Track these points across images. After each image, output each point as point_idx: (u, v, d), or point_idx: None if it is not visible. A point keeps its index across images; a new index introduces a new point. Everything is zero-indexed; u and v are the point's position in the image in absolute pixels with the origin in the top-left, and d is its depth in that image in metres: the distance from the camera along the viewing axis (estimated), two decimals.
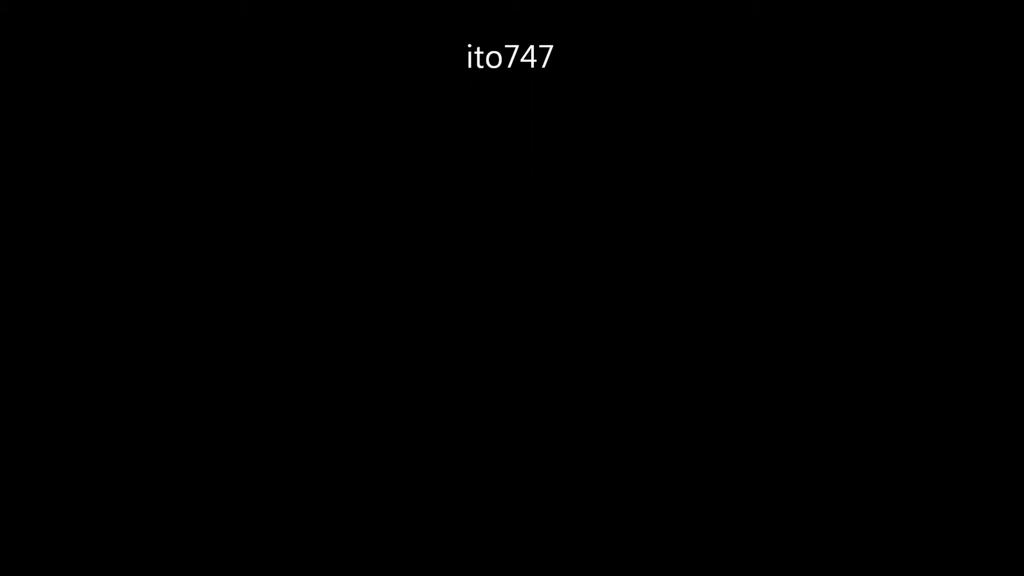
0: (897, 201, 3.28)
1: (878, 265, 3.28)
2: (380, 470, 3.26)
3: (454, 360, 3.31)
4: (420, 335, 3.30)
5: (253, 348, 3.28)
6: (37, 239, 3.30)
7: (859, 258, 3.28)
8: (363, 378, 3.29)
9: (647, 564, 3.22)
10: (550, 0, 3.31)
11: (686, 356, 3.28)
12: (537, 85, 3.31)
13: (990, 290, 3.26)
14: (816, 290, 3.28)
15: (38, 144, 3.30)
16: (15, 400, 3.26)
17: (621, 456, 3.26)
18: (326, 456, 3.26)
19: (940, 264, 3.27)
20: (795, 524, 3.23)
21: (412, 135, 3.32)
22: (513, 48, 3.30)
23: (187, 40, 3.28)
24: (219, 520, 3.24)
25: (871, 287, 3.28)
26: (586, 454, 3.26)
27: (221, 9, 3.28)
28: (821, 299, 3.28)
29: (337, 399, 3.28)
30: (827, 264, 3.28)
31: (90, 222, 3.30)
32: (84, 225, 3.30)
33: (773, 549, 3.22)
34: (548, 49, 3.30)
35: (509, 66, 3.30)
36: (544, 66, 3.31)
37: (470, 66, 3.31)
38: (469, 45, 3.31)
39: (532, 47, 3.30)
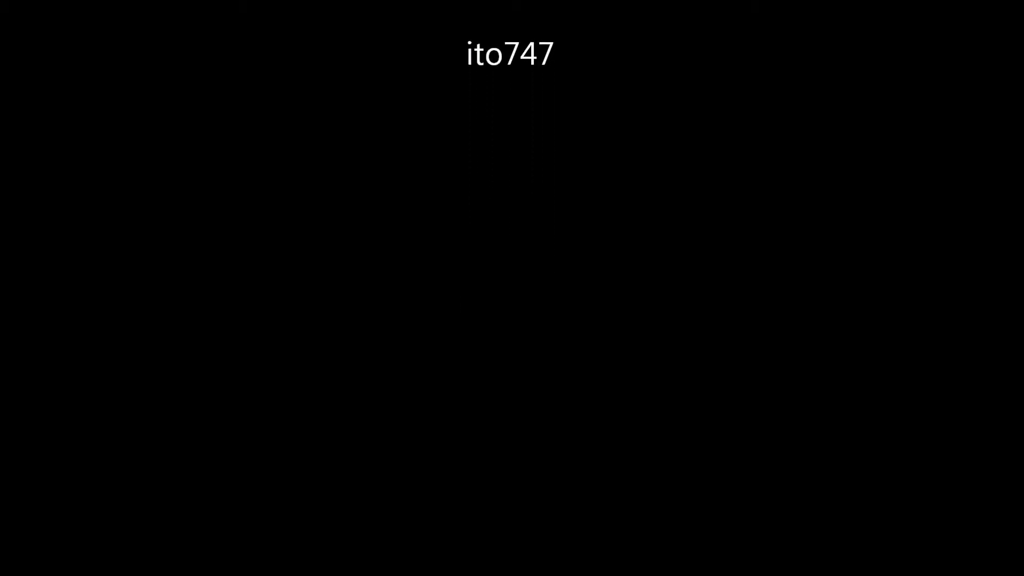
0: (897, 201, 3.28)
1: (878, 265, 3.28)
2: (380, 470, 3.27)
3: (453, 356, 3.31)
4: (419, 329, 3.31)
5: (252, 347, 3.29)
6: (37, 239, 3.30)
7: (859, 258, 3.28)
8: (362, 375, 3.29)
9: (647, 564, 3.22)
10: None
11: (686, 355, 3.28)
12: (537, 82, 3.32)
13: (990, 290, 3.26)
14: (816, 289, 3.28)
15: (38, 144, 3.31)
16: (15, 400, 3.27)
17: (621, 456, 3.26)
18: (326, 456, 3.27)
19: (940, 264, 3.27)
20: (795, 524, 3.23)
21: (412, 132, 3.32)
22: (513, 45, 3.31)
23: (187, 40, 3.29)
24: (219, 520, 3.24)
25: (871, 287, 3.28)
26: (586, 454, 3.26)
27: (221, 9, 3.28)
28: (821, 299, 3.28)
29: (337, 398, 3.28)
30: (827, 263, 3.28)
31: (90, 222, 3.30)
32: (84, 225, 3.30)
33: (773, 549, 3.22)
34: (548, 46, 3.31)
35: (509, 63, 3.31)
36: (544, 63, 3.31)
37: (470, 63, 3.31)
38: (469, 42, 3.32)
39: (532, 44, 3.31)
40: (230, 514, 3.24)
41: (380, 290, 3.31)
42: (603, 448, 3.26)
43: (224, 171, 3.31)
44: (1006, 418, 3.23)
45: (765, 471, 3.24)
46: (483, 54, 3.31)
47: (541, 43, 3.31)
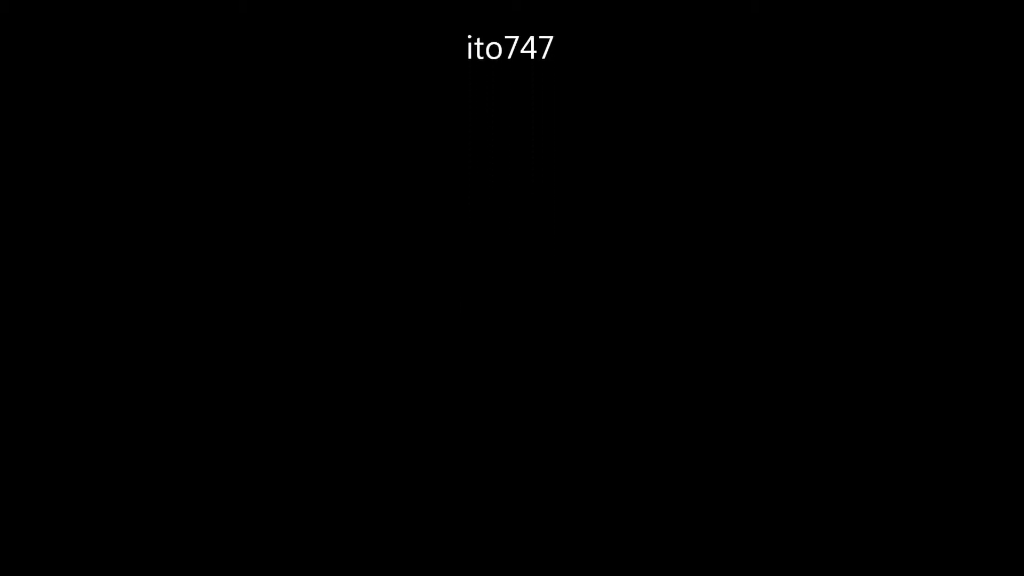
0: (897, 201, 3.28)
1: (878, 265, 3.28)
2: (380, 470, 3.27)
3: (453, 353, 3.31)
4: (419, 324, 3.31)
5: (252, 347, 3.29)
6: (37, 239, 3.31)
7: (859, 258, 3.28)
8: (362, 375, 3.29)
9: (647, 564, 3.22)
10: None
11: (686, 355, 3.28)
12: (537, 76, 3.32)
13: (990, 290, 3.26)
14: (816, 289, 3.28)
15: (38, 144, 3.31)
16: (15, 400, 3.27)
17: (621, 456, 3.26)
18: (326, 456, 3.27)
19: (940, 264, 3.27)
20: (795, 524, 3.22)
21: (412, 126, 3.33)
22: (513, 39, 3.31)
23: (187, 39, 3.29)
24: (219, 520, 3.24)
25: (871, 287, 3.28)
26: (586, 454, 3.26)
27: (221, 8, 3.29)
28: (821, 298, 3.28)
29: (337, 398, 3.28)
30: (827, 262, 3.28)
31: (90, 222, 3.31)
32: (84, 225, 3.31)
33: (773, 549, 3.21)
34: (548, 40, 3.31)
35: (509, 57, 3.31)
36: (544, 57, 3.31)
37: (470, 57, 3.32)
38: (469, 36, 3.32)
39: (532, 38, 3.31)
40: (230, 514, 3.24)
41: (379, 284, 3.31)
42: (603, 448, 3.26)
43: (224, 168, 3.32)
44: (1006, 418, 3.23)
45: (765, 471, 3.24)
46: (483, 48, 3.31)
47: (541, 37, 3.31)
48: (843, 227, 3.29)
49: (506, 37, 3.31)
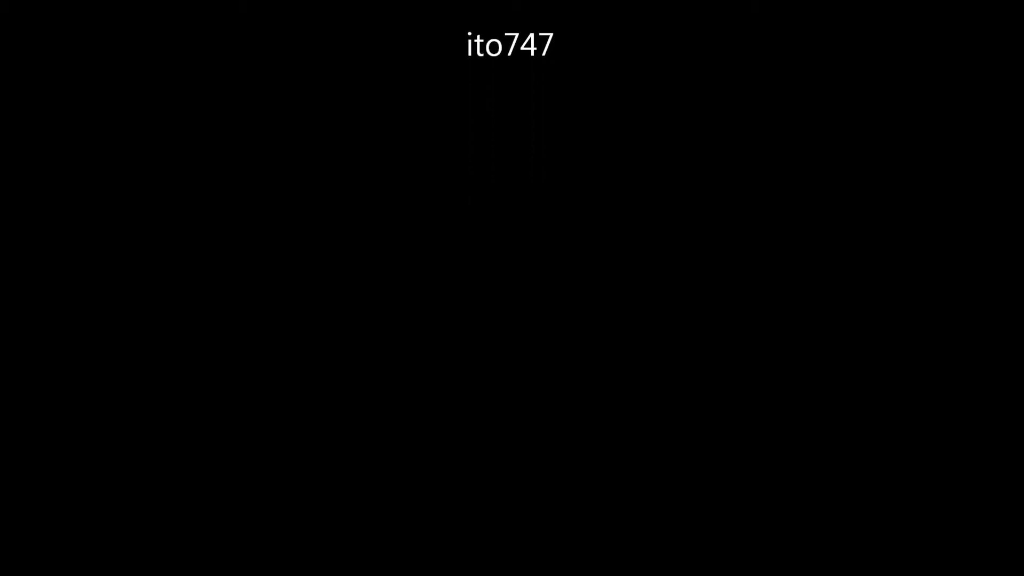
0: (897, 201, 3.29)
1: (878, 265, 3.28)
2: (380, 470, 3.26)
3: (452, 351, 3.31)
4: (419, 318, 3.31)
5: (252, 347, 3.28)
6: (37, 239, 3.30)
7: (859, 258, 3.28)
8: (362, 373, 3.29)
9: (647, 564, 3.21)
10: None
11: (686, 354, 3.28)
12: (537, 73, 3.32)
13: (990, 290, 3.27)
14: (816, 288, 3.28)
15: (38, 144, 3.31)
16: (15, 400, 3.26)
17: (621, 456, 3.26)
18: (326, 456, 3.26)
19: (940, 264, 3.28)
20: (795, 524, 3.22)
21: (412, 123, 3.33)
22: (513, 36, 3.31)
23: (188, 38, 3.29)
24: (219, 520, 3.24)
25: (871, 287, 3.28)
26: (586, 454, 3.26)
27: (221, 6, 3.29)
28: (821, 297, 3.28)
29: (337, 398, 3.28)
30: (827, 261, 3.29)
31: (90, 222, 3.30)
32: (84, 225, 3.30)
33: (773, 549, 3.21)
34: (548, 37, 3.31)
35: (509, 54, 3.32)
36: (544, 54, 3.32)
37: (470, 54, 3.32)
38: (469, 33, 3.32)
39: (532, 35, 3.31)
40: (230, 514, 3.23)
41: (379, 282, 3.31)
42: (603, 448, 3.26)
43: (223, 166, 3.32)
44: (1006, 418, 3.23)
45: (765, 471, 3.24)
46: (483, 45, 3.31)
47: (541, 34, 3.31)
48: (843, 226, 3.29)
49: (506, 34, 3.32)
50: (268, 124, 3.32)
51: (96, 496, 3.24)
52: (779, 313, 3.28)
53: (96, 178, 3.31)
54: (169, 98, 3.31)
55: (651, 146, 3.32)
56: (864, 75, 3.29)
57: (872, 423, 3.25)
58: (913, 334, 3.27)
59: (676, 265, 3.30)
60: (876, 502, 3.22)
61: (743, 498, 3.23)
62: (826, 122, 3.30)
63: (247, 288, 3.30)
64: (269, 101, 3.32)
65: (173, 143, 3.31)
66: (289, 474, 3.25)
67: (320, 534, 3.23)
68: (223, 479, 3.25)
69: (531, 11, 3.32)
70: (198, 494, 3.24)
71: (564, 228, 3.32)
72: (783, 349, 3.27)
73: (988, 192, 3.28)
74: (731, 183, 3.31)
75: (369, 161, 3.33)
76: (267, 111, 3.32)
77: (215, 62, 3.31)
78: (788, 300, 3.28)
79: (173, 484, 3.24)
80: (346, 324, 3.30)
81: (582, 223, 3.32)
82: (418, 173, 3.33)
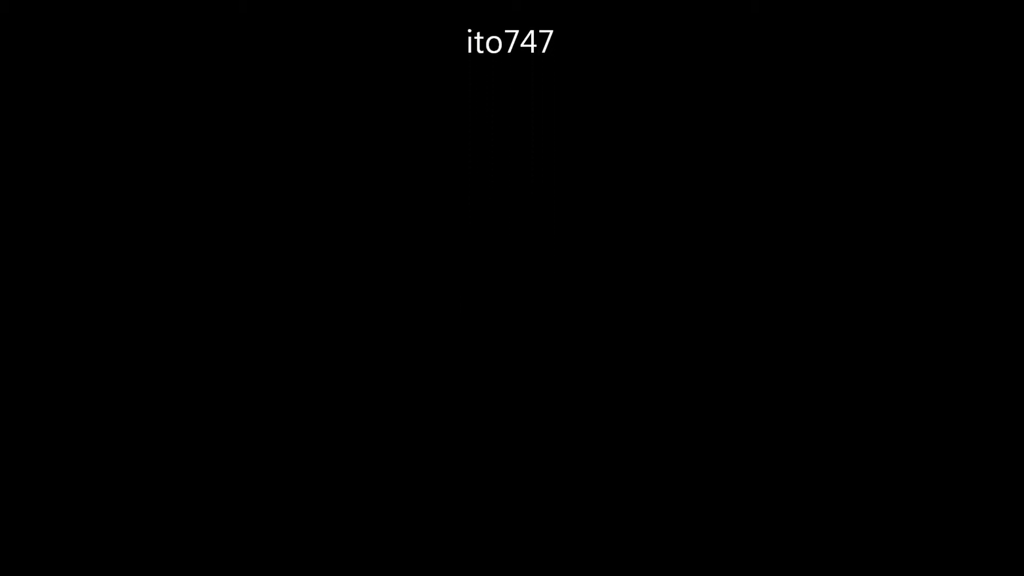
0: (897, 201, 3.28)
1: (878, 265, 3.28)
2: (380, 470, 3.26)
3: (452, 350, 3.31)
4: (419, 312, 3.31)
5: (251, 347, 3.28)
6: (37, 239, 3.30)
7: (859, 258, 3.28)
8: (361, 372, 3.29)
9: (647, 564, 3.22)
10: None
11: (686, 354, 3.28)
12: (537, 70, 3.31)
13: (990, 290, 3.27)
14: (816, 288, 3.28)
15: (38, 144, 3.30)
16: (15, 400, 3.27)
17: (621, 456, 3.26)
18: (326, 456, 3.26)
19: (940, 264, 3.28)
20: (795, 524, 3.23)
21: (413, 120, 3.32)
22: (513, 33, 3.30)
23: (188, 36, 3.28)
24: (219, 520, 3.24)
25: (871, 287, 3.28)
26: (586, 454, 3.26)
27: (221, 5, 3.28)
28: (821, 297, 3.28)
29: (337, 397, 3.28)
30: (827, 260, 3.28)
31: (90, 222, 3.30)
32: (84, 225, 3.30)
33: (773, 549, 3.22)
34: (548, 34, 3.30)
35: (509, 51, 3.31)
36: (544, 51, 3.31)
37: (470, 51, 3.31)
38: (469, 30, 3.31)
39: (532, 32, 3.30)
40: (230, 514, 3.24)
41: (379, 279, 3.31)
42: (603, 448, 3.26)
43: (223, 164, 3.31)
44: (1006, 418, 3.24)
45: (765, 471, 3.25)
46: (483, 42, 3.31)
47: (541, 31, 3.30)
48: (843, 226, 3.29)
49: (506, 31, 3.31)
50: (268, 121, 3.31)
51: (96, 496, 3.25)
52: (779, 313, 3.28)
53: (96, 178, 3.30)
54: (169, 97, 3.30)
55: (651, 143, 3.31)
56: (864, 75, 3.28)
57: (872, 423, 3.26)
58: (913, 334, 3.27)
59: (676, 262, 3.30)
60: (876, 502, 3.23)
61: (743, 498, 3.24)
62: (826, 121, 3.29)
63: (245, 286, 3.30)
64: (269, 99, 3.31)
65: (173, 142, 3.30)
66: (289, 474, 3.26)
67: (320, 534, 3.24)
68: (223, 479, 3.25)
69: (531, 8, 3.31)
70: (198, 494, 3.25)
71: (564, 224, 3.32)
72: (783, 349, 3.27)
73: (988, 192, 3.27)
74: (731, 180, 3.30)
75: (369, 157, 3.32)
76: (267, 109, 3.31)
77: (215, 61, 3.30)
78: (788, 300, 3.28)
79: (173, 484, 3.25)
80: (344, 317, 3.31)
81: (582, 220, 3.32)
82: (418, 170, 3.32)
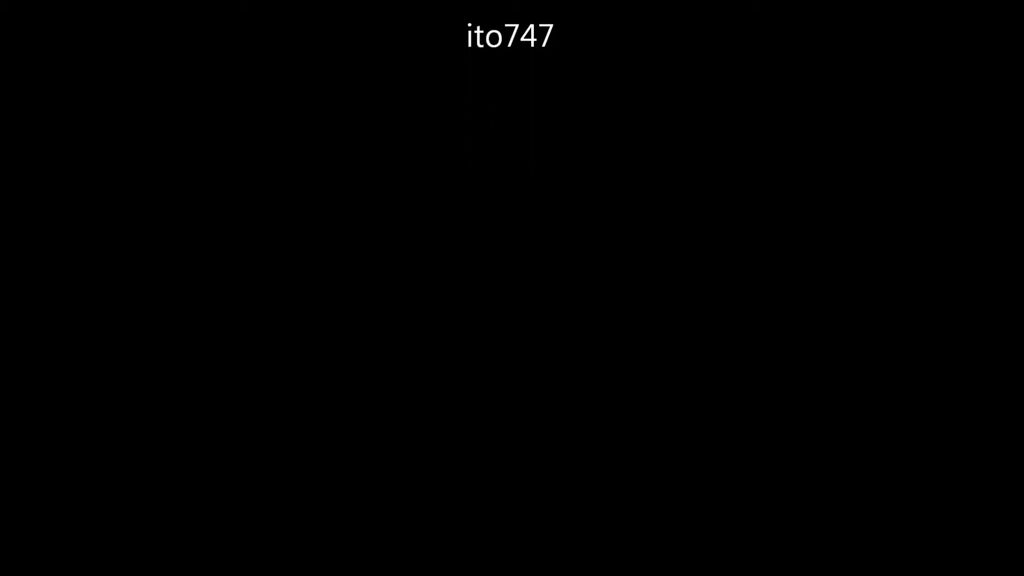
0: (897, 201, 3.28)
1: (878, 265, 3.27)
2: (380, 470, 3.27)
3: (452, 349, 3.31)
4: (417, 305, 3.31)
5: (251, 347, 3.29)
6: (37, 239, 3.31)
7: (859, 258, 3.28)
8: (361, 372, 3.30)
9: (647, 564, 3.22)
10: None
11: (686, 353, 3.28)
12: (537, 64, 3.31)
13: (990, 290, 3.26)
14: (817, 287, 3.28)
15: (38, 144, 3.31)
16: (15, 400, 3.28)
17: (621, 456, 3.26)
18: (326, 456, 3.27)
19: (940, 264, 3.27)
20: (795, 524, 3.23)
21: (412, 115, 3.32)
22: (513, 27, 3.30)
23: (188, 35, 3.29)
24: (219, 520, 3.25)
25: (871, 287, 3.27)
26: (586, 454, 3.27)
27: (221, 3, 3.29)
28: (821, 297, 3.28)
29: (337, 397, 3.29)
30: (827, 260, 3.28)
31: (90, 222, 3.31)
32: (84, 225, 3.31)
33: (773, 549, 3.22)
34: (548, 28, 3.30)
35: (509, 45, 3.31)
36: (544, 45, 3.31)
37: (470, 45, 3.31)
38: (469, 24, 3.31)
39: (532, 26, 3.30)
40: (230, 514, 3.25)
41: (378, 271, 3.31)
42: (603, 448, 3.26)
43: (222, 162, 3.32)
44: (1006, 418, 3.23)
45: (765, 471, 3.24)
46: (483, 36, 3.31)
47: (541, 25, 3.30)
48: (843, 225, 3.28)
49: (506, 25, 3.31)
50: (269, 117, 3.32)
51: (96, 496, 3.26)
52: (779, 312, 3.28)
53: (96, 178, 3.31)
54: (169, 96, 3.31)
55: (651, 138, 3.31)
56: (864, 75, 3.28)
57: (872, 423, 3.26)
58: (913, 334, 3.26)
59: (675, 259, 3.30)
60: (876, 502, 3.23)
61: (743, 498, 3.24)
62: (826, 118, 3.29)
63: (244, 286, 3.30)
64: (269, 92, 3.32)
65: (173, 142, 3.31)
66: (289, 474, 3.26)
67: (320, 534, 3.25)
68: (223, 479, 3.26)
69: (531, 2, 3.31)
70: (198, 494, 3.26)
71: (564, 220, 3.32)
72: (783, 349, 3.27)
73: (988, 192, 3.26)
74: (730, 176, 3.30)
75: (368, 153, 3.33)
76: (268, 103, 3.32)
77: (215, 59, 3.31)
78: (788, 299, 3.28)
79: (173, 484, 3.26)
80: (342, 316, 3.31)
81: (582, 216, 3.32)
82: (418, 165, 3.32)
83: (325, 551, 3.24)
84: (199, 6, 3.26)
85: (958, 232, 3.27)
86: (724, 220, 3.30)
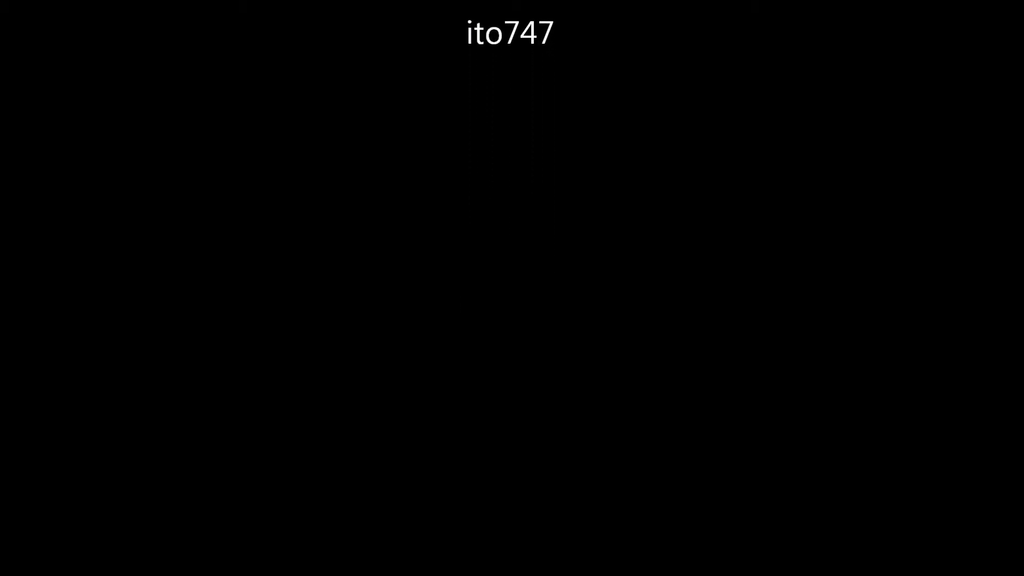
0: (897, 201, 3.28)
1: (878, 265, 3.28)
2: (380, 470, 3.27)
3: (452, 348, 3.31)
4: (418, 300, 3.31)
5: (251, 347, 3.29)
6: (37, 239, 3.31)
7: (859, 258, 3.28)
8: (359, 371, 3.30)
9: (647, 564, 3.23)
10: None
11: (686, 353, 3.29)
12: (537, 61, 3.31)
13: (990, 290, 3.26)
14: (817, 287, 3.28)
15: (38, 144, 3.31)
16: (15, 400, 3.28)
17: (621, 456, 3.26)
18: (326, 456, 3.27)
19: (940, 264, 3.27)
20: (795, 524, 3.23)
21: (412, 111, 3.32)
22: (513, 24, 3.30)
23: (188, 33, 3.28)
24: (219, 520, 3.25)
25: (871, 287, 3.27)
26: (586, 454, 3.27)
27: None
28: (821, 297, 3.28)
29: (337, 397, 3.29)
30: (827, 258, 3.28)
31: (90, 222, 3.31)
32: (84, 225, 3.31)
33: (773, 549, 3.23)
34: (548, 25, 3.30)
35: (509, 42, 3.30)
36: (544, 42, 3.31)
37: (470, 42, 3.31)
38: (469, 21, 3.31)
39: (532, 23, 3.30)
40: (230, 514, 3.25)
41: (378, 267, 3.31)
42: (603, 448, 3.27)
43: (224, 160, 3.31)
44: (1006, 418, 3.23)
45: (765, 471, 3.25)
46: (483, 33, 3.30)
47: (541, 22, 3.30)
48: (843, 224, 3.28)
49: (506, 22, 3.30)
50: (269, 114, 3.31)
51: (96, 496, 3.26)
52: (779, 311, 3.28)
53: (96, 178, 3.31)
54: (169, 96, 3.31)
55: (651, 135, 3.31)
56: (864, 75, 3.27)
57: (872, 423, 3.26)
58: (913, 334, 3.27)
59: (675, 256, 3.30)
60: (876, 502, 3.23)
61: (743, 498, 3.24)
62: (825, 115, 3.28)
63: (244, 286, 3.30)
64: (269, 89, 3.31)
65: (173, 141, 3.31)
66: (289, 474, 3.27)
67: (320, 534, 3.25)
68: (223, 479, 3.26)
69: None
70: (198, 494, 3.26)
71: (564, 217, 3.32)
72: (783, 349, 3.27)
73: (988, 192, 3.27)
74: (729, 171, 3.30)
75: (369, 150, 3.33)
76: (267, 100, 3.31)
77: (215, 58, 3.30)
78: (788, 298, 3.28)
79: (173, 484, 3.26)
80: (342, 313, 3.31)
81: (582, 212, 3.32)
82: (418, 162, 3.32)
83: (325, 551, 3.24)
84: (199, 6, 3.25)
85: (958, 232, 3.27)
86: (723, 215, 3.30)
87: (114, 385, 3.27)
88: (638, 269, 3.30)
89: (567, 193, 3.32)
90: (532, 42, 3.30)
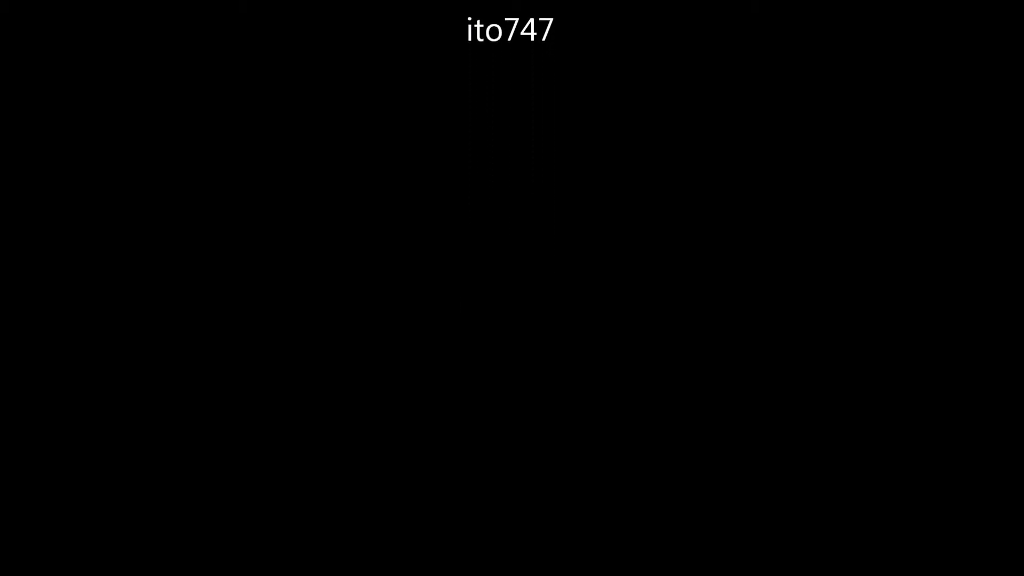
0: (897, 201, 3.27)
1: (878, 265, 3.27)
2: (380, 470, 3.27)
3: (452, 346, 3.31)
4: (418, 295, 3.31)
5: (249, 346, 3.29)
6: (37, 239, 3.30)
7: (859, 257, 3.27)
8: (359, 370, 3.30)
9: (647, 564, 3.23)
10: None
11: (686, 353, 3.28)
12: (537, 58, 3.31)
13: (990, 290, 3.26)
14: (816, 286, 3.28)
15: (38, 144, 3.30)
16: (15, 400, 3.28)
17: (621, 456, 3.26)
18: (326, 456, 3.27)
19: (940, 264, 3.27)
20: (795, 524, 3.23)
21: (413, 108, 3.32)
22: (513, 21, 3.29)
23: (188, 32, 3.27)
24: (219, 520, 3.25)
25: (871, 287, 3.27)
26: (586, 454, 3.26)
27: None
28: (821, 297, 3.27)
29: (337, 396, 3.29)
30: (827, 258, 3.28)
31: (90, 222, 3.30)
32: (84, 225, 3.30)
33: (773, 549, 3.23)
34: (548, 22, 3.29)
35: (509, 39, 3.30)
36: (544, 39, 3.30)
37: (470, 39, 3.30)
38: (469, 18, 3.30)
39: (532, 20, 3.29)
40: (230, 514, 3.25)
41: (379, 265, 3.31)
42: (603, 448, 3.26)
43: (224, 160, 3.31)
44: (1006, 418, 3.24)
45: (765, 471, 3.25)
46: (483, 30, 3.30)
47: (541, 19, 3.29)
48: (842, 223, 3.28)
49: (506, 19, 3.30)
50: (269, 113, 3.30)
51: (96, 496, 3.26)
52: (778, 310, 3.28)
53: (96, 178, 3.30)
54: (170, 93, 3.30)
55: (650, 132, 3.30)
56: (864, 75, 3.27)
57: (872, 423, 3.26)
58: (913, 334, 3.26)
59: (672, 250, 3.29)
60: (876, 502, 3.23)
61: (743, 498, 3.24)
62: (825, 115, 3.28)
63: (244, 285, 3.30)
64: (269, 88, 3.30)
65: (173, 141, 3.30)
66: (289, 474, 3.26)
67: (320, 534, 3.25)
68: (223, 479, 3.26)
69: None
70: (198, 494, 3.26)
71: (564, 213, 3.32)
72: (782, 348, 3.27)
73: (988, 192, 3.26)
74: (728, 168, 3.29)
75: (370, 146, 3.32)
76: (267, 99, 3.30)
77: (215, 57, 3.29)
78: (788, 298, 3.28)
79: (173, 484, 3.26)
80: (340, 309, 3.31)
81: (581, 209, 3.31)
82: (419, 158, 3.32)
83: (325, 550, 3.24)
84: (199, 6, 3.24)
85: (958, 232, 3.26)
86: (721, 212, 3.29)
87: (114, 384, 3.27)
88: (637, 266, 3.30)
89: (566, 189, 3.31)
90: (532, 39, 3.30)
